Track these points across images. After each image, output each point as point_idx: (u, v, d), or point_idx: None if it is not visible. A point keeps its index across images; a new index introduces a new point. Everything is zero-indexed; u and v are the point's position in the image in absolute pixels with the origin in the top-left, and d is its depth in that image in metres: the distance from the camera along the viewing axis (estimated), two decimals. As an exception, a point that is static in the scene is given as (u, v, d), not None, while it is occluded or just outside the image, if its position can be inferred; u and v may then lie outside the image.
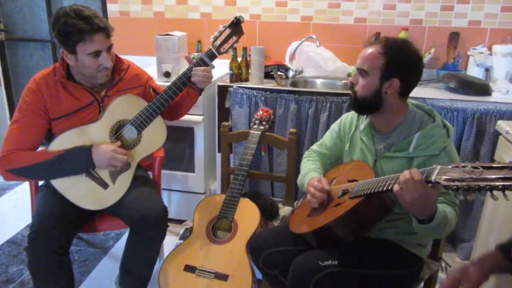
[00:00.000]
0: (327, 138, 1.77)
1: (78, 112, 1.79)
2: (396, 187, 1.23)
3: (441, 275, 1.77)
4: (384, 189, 1.29)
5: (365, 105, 1.48)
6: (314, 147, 1.83)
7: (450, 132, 1.46)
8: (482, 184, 1.02)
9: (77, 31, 1.64)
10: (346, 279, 1.41)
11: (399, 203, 1.27)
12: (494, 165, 1.04)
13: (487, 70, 2.59)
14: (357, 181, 1.48)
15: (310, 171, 1.68)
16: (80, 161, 1.73)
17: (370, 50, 1.44)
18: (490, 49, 2.63)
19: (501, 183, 1.00)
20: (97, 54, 1.70)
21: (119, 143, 1.80)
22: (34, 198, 1.95)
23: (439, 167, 1.15)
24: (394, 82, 1.42)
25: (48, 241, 1.63)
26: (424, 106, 1.54)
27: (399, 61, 1.41)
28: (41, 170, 1.72)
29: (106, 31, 1.69)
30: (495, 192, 1.02)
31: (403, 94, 1.46)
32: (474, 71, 2.60)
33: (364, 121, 1.61)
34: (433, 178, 1.14)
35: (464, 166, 1.08)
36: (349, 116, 1.70)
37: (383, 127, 1.53)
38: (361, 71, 1.46)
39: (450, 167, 1.11)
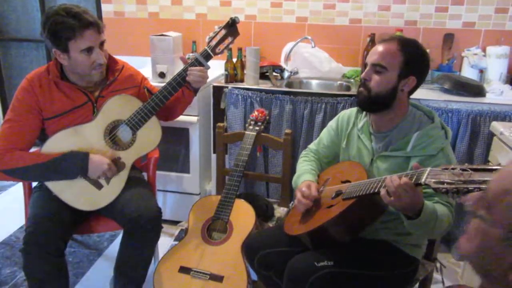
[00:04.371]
0: (324, 135, 1.76)
1: (71, 112, 1.78)
2: (385, 196, 1.24)
3: (436, 276, 1.78)
4: (376, 190, 1.29)
5: (378, 102, 1.45)
6: (311, 145, 1.83)
7: (448, 134, 1.46)
8: (470, 186, 1.02)
9: (68, 28, 1.63)
10: (342, 279, 1.41)
11: None
12: (483, 167, 1.04)
13: (481, 71, 2.61)
14: (350, 182, 1.48)
15: (304, 173, 1.68)
16: (75, 167, 1.72)
17: (387, 46, 1.42)
18: (484, 50, 2.65)
19: None
20: (89, 50, 1.69)
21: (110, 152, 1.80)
22: (28, 199, 1.93)
23: (429, 169, 1.15)
24: (410, 80, 1.43)
25: (44, 243, 1.62)
26: (423, 107, 1.54)
27: (416, 59, 1.42)
28: (34, 172, 1.71)
29: (96, 26, 1.68)
30: None
31: (411, 93, 1.47)
32: (468, 73, 2.61)
33: (362, 119, 1.61)
34: (423, 180, 1.14)
35: (453, 168, 1.08)
36: (347, 113, 1.69)
37: (383, 126, 1.52)
38: (378, 67, 1.42)
39: (439, 169, 1.12)
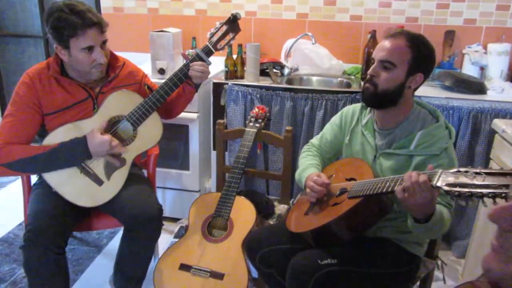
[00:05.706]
0: (327, 130, 1.75)
1: (71, 107, 1.77)
2: (399, 192, 1.21)
3: (437, 274, 1.77)
4: (384, 190, 1.27)
5: (385, 98, 1.43)
6: (314, 140, 1.81)
7: (452, 133, 1.45)
8: (485, 191, 0.99)
9: (70, 26, 1.61)
10: (345, 277, 1.40)
11: (397, 202, 1.26)
12: (497, 171, 1.01)
13: (482, 68, 2.60)
14: (355, 179, 1.47)
15: (309, 166, 1.66)
16: (76, 151, 1.70)
17: (395, 42, 1.39)
18: (485, 47, 2.64)
19: (505, 191, 0.96)
20: (90, 49, 1.67)
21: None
22: (27, 196, 1.92)
23: (441, 171, 1.13)
24: (418, 77, 1.41)
25: (45, 240, 1.61)
26: (427, 105, 1.53)
27: (424, 55, 1.40)
28: (35, 163, 1.69)
29: (99, 26, 1.67)
30: (498, 200, 0.99)
31: (416, 89, 1.46)
32: (469, 70, 2.60)
33: (366, 115, 1.59)
34: (434, 182, 1.12)
35: (466, 171, 1.04)
36: (351, 109, 1.68)
37: (387, 123, 1.51)
38: (387, 64, 1.40)
39: (451, 171, 1.09)
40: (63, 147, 1.70)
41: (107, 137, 1.72)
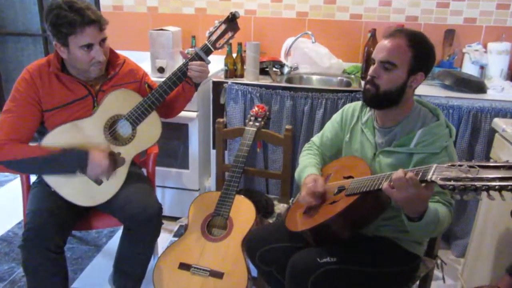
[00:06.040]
0: (328, 128, 1.74)
1: (71, 104, 1.76)
2: (385, 185, 1.22)
3: (437, 273, 1.77)
4: (380, 187, 1.27)
5: (387, 99, 1.42)
6: (315, 138, 1.81)
7: (452, 132, 1.44)
8: (478, 184, 1.00)
9: (68, 23, 1.61)
10: (344, 276, 1.40)
11: None
12: (491, 164, 1.02)
13: (482, 67, 2.60)
14: (353, 177, 1.47)
15: (308, 165, 1.66)
16: (73, 164, 1.70)
17: (395, 42, 1.38)
18: (485, 46, 2.64)
19: (498, 183, 0.98)
20: (89, 47, 1.67)
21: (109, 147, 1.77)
22: (26, 195, 1.91)
23: (435, 165, 1.13)
24: (419, 76, 1.41)
25: (43, 240, 1.61)
26: (428, 104, 1.52)
27: (425, 54, 1.40)
28: (33, 166, 1.69)
29: (98, 23, 1.66)
30: (491, 192, 1.00)
31: (416, 88, 1.46)
32: (469, 69, 2.60)
33: (367, 113, 1.59)
34: (429, 177, 1.12)
35: (460, 165, 1.05)
36: (351, 107, 1.67)
37: (387, 121, 1.50)
38: (387, 64, 1.39)
39: (446, 166, 1.09)
40: (64, 157, 1.69)
41: (106, 163, 1.70)
